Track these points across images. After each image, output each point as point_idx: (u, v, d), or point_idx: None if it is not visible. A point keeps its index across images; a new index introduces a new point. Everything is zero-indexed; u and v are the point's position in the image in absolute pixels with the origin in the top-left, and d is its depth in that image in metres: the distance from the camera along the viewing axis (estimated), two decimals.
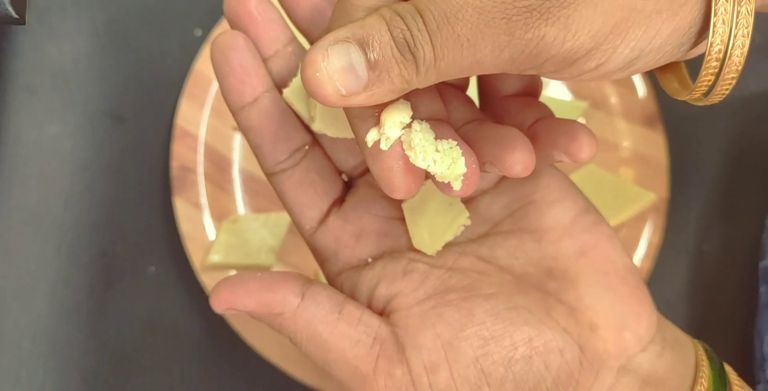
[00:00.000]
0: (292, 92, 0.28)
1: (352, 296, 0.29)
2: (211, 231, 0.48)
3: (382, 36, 0.21)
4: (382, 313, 0.28)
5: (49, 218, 0.50)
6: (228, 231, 0.48)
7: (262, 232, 0.49)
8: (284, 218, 0.49)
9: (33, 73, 0.51)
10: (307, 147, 0.29)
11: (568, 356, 0.26)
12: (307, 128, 0.29)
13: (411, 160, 0.23)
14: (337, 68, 0.21)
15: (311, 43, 0.30)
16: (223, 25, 0.51)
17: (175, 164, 0.49)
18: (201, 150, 0.49)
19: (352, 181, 0.31)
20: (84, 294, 0.49)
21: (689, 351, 0.28)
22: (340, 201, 0.30)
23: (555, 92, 0.51)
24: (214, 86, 0.50)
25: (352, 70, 0.21)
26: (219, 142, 0.50)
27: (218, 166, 0.50)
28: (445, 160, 0.23)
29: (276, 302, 0.27)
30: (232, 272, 0.48)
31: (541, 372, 0.26)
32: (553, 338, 0.26)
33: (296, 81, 0.28)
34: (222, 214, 0.49)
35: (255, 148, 0.29)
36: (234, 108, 0.29)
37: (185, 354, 0.49)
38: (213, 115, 0.50)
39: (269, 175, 0.30)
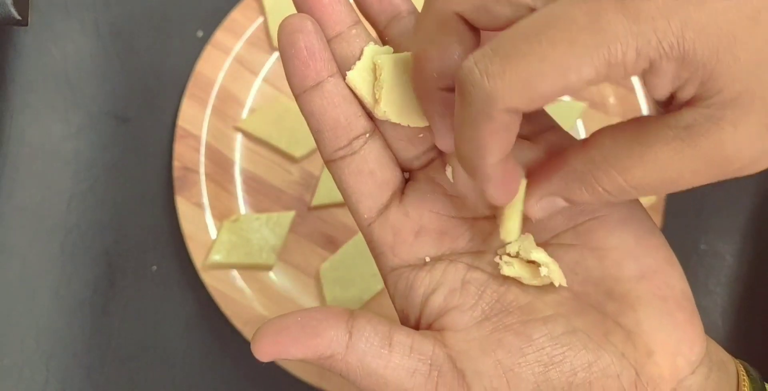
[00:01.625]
0: (356, 75, 0.28)
1: (405, 295, 0.29)
2: (212, 230, 0.49)
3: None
4: (433, 323, 0.28)
5: (52, 217, 0.50)
6: (229, 231, 0.49)
7: (264, 231, 0.49)
8: (285, 217, 0.49)
9: (36, 73, 0.52)
10: (367, 135, 0.29)
11: (625, 382, 0.26)
12: (369, 116, 0.29)
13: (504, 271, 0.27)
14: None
15: (375, 28, 0.29)
16: (224, 27, 0.51)
17: (176, 164, 0.49)
18: (202, 150, 0.50)
19: (412, 173, 0.30)
20: (87, 293, 0.49)
21: (732, 371, 0.28)
22: (399, 193, 0.29)
23: (564, 106, 0.51)
24: (216, 87, 0.50)
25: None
26: (220, 143, 0.50)
27: (220, 166, 0.50)
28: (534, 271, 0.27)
29: (324, 347, 0.26)
30: (234, 272, 0.48)
31: None
32: (611, 362, 0.26)
33: (360, 64, 0.28)
34: (223, 213, 0.49)
35: (315, 133, 0.29)
36: (297, 92, 0.28)
37: (187, 352, 0.49)
38: (214, 115, 0.50)
39: (328, 162, 0.29)
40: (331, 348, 0.26)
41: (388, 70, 0.27)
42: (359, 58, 0.28)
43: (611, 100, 0.51)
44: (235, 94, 0.51)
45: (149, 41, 0.52)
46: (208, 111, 0.50)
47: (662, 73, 0.22)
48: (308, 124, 0.29)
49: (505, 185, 0.26)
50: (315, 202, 0.50)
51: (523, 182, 0.27)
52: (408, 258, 0.29)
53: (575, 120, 0.51)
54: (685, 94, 0.23)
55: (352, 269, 0.49)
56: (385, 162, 0.29)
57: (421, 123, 0.28)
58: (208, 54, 0.51)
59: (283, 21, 0.27)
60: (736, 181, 0.51)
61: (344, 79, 0.28)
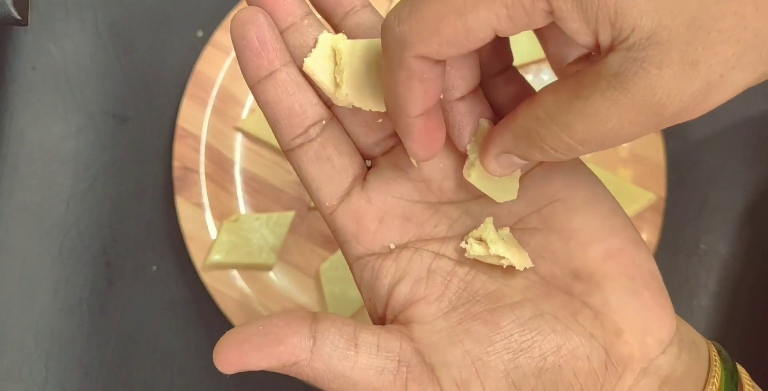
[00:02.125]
0: (313, 62, 0.28)
1: (371, 285, 0.29)
2: (212, 230, 0.49)
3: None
4: (400, 315, 0.28)
5: (51, 216, 0.50)
6: (229, 230, 0.49)
7: (264, 231, 0.49)
8: (285, 217, 0.49)
9: (35, 73, 0.52)
10: (324, 122, 0.29)
11: (595, 362, 0.26)
12: (326, 104, 0.29)
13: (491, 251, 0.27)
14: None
15: (330, 21, 0.30)
16: (224, 27, 0.51)
17: (176, 164, 0.49)
18: (202, 150, 0.50)
19: (374, 160, 0.30)
20: (86, 292, 0.49)
21: (704, 351, 0.28)
22: (360, 180, 0.29)
23: None
24: (216, 87, 0.50)
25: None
26: (220, 143, 0.50)
27: (219, 166, 0.50)
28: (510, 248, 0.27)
29: (288, 354, 0.26)
30: (233, 272, 0.48)
31: (570, 380, 0.26)
32: (580, 344, 0.26)
33: (316, 51, 0.28)
34: (223, 213, 0.49)
35: (272, 123, 0.29)
36: (251, 83, 0.28)
37: (186, 352, 0.49)
38: (214, 115, 0.50)
39: (287, 151, 0.29)
40: (295, 355, 0.26)
41: (348, 55, 0.28)
42: (314, 47, 0.28)
43: None
44: (235, 94, 0.51)
45: (149, 41, 0.52)
46: (208, 111, 0.50)
47: (566, 16, 0.22)
48: (265, 115, 0.29)
49: (425, 142, 0.26)
50: None
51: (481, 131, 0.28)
52: (372, 246, 0.29)
53: None
54: (604, 38, 0.22)
55: None
56: (344, 148, 0.29)
57: (381, 108, 0.28)
58: (208, 54, 0.51)
59: (235, 15, 0.28)
60: (737, 181, 0.51)
61: (299, 68, 0.28)
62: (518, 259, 0.27)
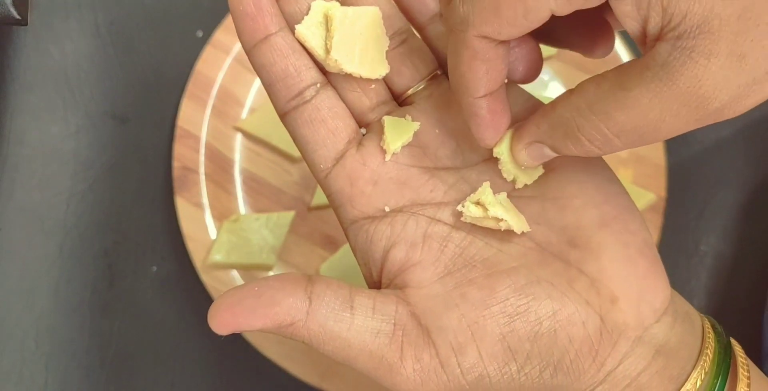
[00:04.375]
0: (305, 28, 0.28)
1: (365, 249, 0.29)
2: (212, 231, 0.49)
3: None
4: (395, 279, 0.28)
5: (51, 217, 0.50)
6: (229, 231, 0.49)
7: (263, 231, 0.49)
8: (285, 217, 0.49)
9: (35, 73, 0.51)
10: (318, 85, 0.29)
11: (590, 329, 0.26)
12: (321, 70, 0.29)
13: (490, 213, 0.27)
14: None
15: None
16: (224, 27, 0.51)
17: (176, 164, 0.49)
18: (202, 150, 0.50)
19: (369, 127, 0.30)
20: (86, 293, 0.49)
21: (697, 324, 0.28)
22: (355, 144, 0.29)
23: (554, 93, 0.52)
24: (216, 87, 0.50)
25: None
26: (220, 143, 0.50)
27: (219, 166, 0.50)
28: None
29: (283, 315, 0.26)
30: (233, 272, 0.48)
31: (565, 345, 0.26)
32: (576, 310, 0.26)
33: (308, 18, 0.29)
34: (223, 214, 0.49)
35: (267, 87, 0.29)
36: (247, 47, 0.29)
37: (187, 353, 0.49)
38: (214, 115, 0.50)
39: (282, 115, 0.30)
40: (291, 316, 0.26)
41: (340, 21, 0.28)
42: (307, 14, 0.29)
43: None
44: (235, 94, 0.51)
45: (149, 41, 0.52)
46: (208, 111, 0.50)
47: None
48: (260, 79, 0.29)
49: (490, 125, 0.27)
50: (315, 202, 0.50)
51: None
52: (367, 209, 0.29)
53: None
54: (653, 24, 0.22)
55: (351, 269, 0.49)
56: (338, 111, 0.29)
57: (372, 74, 0.29)
58: (208, 54, 0.51)
59: None
60: (737, 181, 0.51)
61: (293, 33, 0.29)
62: (516, 222, 0.27)
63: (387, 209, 0.29)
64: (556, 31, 0.28)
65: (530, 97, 0.29)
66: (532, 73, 0.28)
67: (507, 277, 0.27)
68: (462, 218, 0.28)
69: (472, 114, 0.26)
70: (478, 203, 0.27)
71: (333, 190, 0.29)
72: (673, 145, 0.51)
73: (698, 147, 0.52)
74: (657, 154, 0.50)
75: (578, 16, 0.28)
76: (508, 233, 0.27)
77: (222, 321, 0.26)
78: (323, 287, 0.27)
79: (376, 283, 0.29)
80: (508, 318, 0.26)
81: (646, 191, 0.49)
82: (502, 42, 0.25)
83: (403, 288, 0.28)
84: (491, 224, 0.27)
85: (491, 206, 0.27)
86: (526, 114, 0.28)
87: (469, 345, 0.26)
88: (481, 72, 0.25)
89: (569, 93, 0.25)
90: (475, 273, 0.27)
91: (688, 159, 0.52)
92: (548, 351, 0.26)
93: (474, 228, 0.28)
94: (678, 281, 0.51)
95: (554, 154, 0.27)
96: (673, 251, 0.51)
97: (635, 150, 0.50)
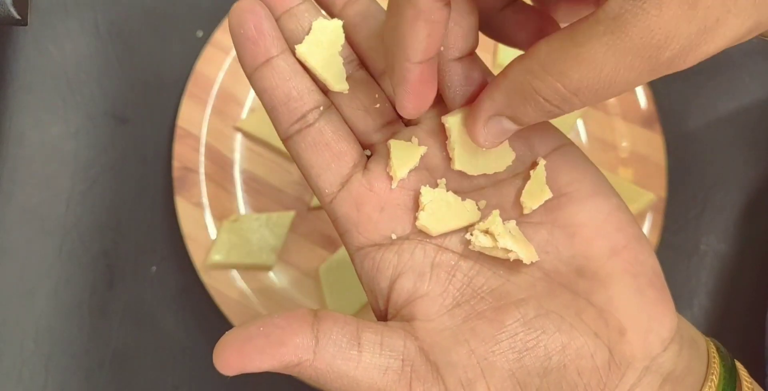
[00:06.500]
0: (305, 48, 0.28)
1: (372, 276, 0.28)
2: (212, 231, 0.49)
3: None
4: (402, 310, 0.28)
5: (51, 218, 0.50)
6: (229, 231, 0.49)
7: (263, 231, 0.49)
8: (285, 217, 0.49)
9: (35, 73, 0.51)
10: (321, 108, 0.29)
11: (599, 361, 0.26)
12: (322, 90, 0.29)
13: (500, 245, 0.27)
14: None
15: (330, 11, 0.30)
16: (224, 27, 0.51)
17: (176, 164, 0.49)
18: (202, 150, 0.50)
19: (374, 148, 0.30)
20: (86, 294, 0.49)
21: (702, 348, 0.28)
22: (360, 168, 0.29)
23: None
24: (215, 87, 0.50)
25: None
26: (220, 143, 0.50)
27: (219, 166, 0.50)
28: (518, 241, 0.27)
29: (291, 355, 0.25)
30: (233, 272, 0.48)
31: (574, 379, 0.26)
32: (585, 343, 0.26)
33: (309, 38, 0.28)
34: (223, 213, 0.49)
35: (270, 111, 0.29)
36: (249, 71, 0.28)
37: (187, 353, 0.49)
38: (214, 115, 0.50)
39: (286, 140, 0.29)
40: (298, 356, 0.25)
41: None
42: (308, 33, 0.28)
43: (611, 99, 0.51)
44: (235, 94, 0.51)
45: (149, 41, 0.52)
46: (208, 111, 0.50)
47: None
48: (262, 102, 0.29)
49: (419, 94, 0.26)
50: (315, 202, 0.50)
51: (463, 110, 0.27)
52: (373, 236, 0.28)
53: (575, 120, 0.51)
54: None
55: (351, 269, 0.48)
56: (342, 134, 0.29)
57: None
58: (208, 54, 0.51)
59: (234, 6, 0.28)
60: (737, 181, 0.51)
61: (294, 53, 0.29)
62: (525, 252, 0.26)
63: (394, 236, 0.28)
64: (503, 27, 0.28)
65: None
66: (469, 49, 0.27)
67: (516, 309, 0.26)
68: (470, 246, 0.27)
69: (403, 80, 0.25)
70: (486, 232, 0.27)
71: (338, 215, 0.29)
72: (673, 145, 0.51)
73: (698, 147, 0.52)
74: (657, 154, 0.50)
75: (524, 11, 0.28)
76: (517, 263, 0.27)
77: (228, 363, 0.26)
78: (330, 324, 0.26)
79: (382, 311, 0.29)
80: (518, 354, 0.26)
81: (646, 191, 0.49)
82: (448, 3, 0.24)
83: (411, 321, 0.27)
84: (500, 254, 0.27)
85: (500, 237, 0.26)
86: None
87: (479, 381, 0.26)
88: (423, 34, 0.24)
89: (520, 58, 0.24)
90: (483, 305, 0.27)
91: (688, 159, 0.52)
92: (557, 385, 0.26)
93: (482, 257, 0.28)
94: (678, 281, 0.51)
95: (515, 128, 0.26)
96: (673, 250, 0.51)
97: (635, 150, 0.50)
